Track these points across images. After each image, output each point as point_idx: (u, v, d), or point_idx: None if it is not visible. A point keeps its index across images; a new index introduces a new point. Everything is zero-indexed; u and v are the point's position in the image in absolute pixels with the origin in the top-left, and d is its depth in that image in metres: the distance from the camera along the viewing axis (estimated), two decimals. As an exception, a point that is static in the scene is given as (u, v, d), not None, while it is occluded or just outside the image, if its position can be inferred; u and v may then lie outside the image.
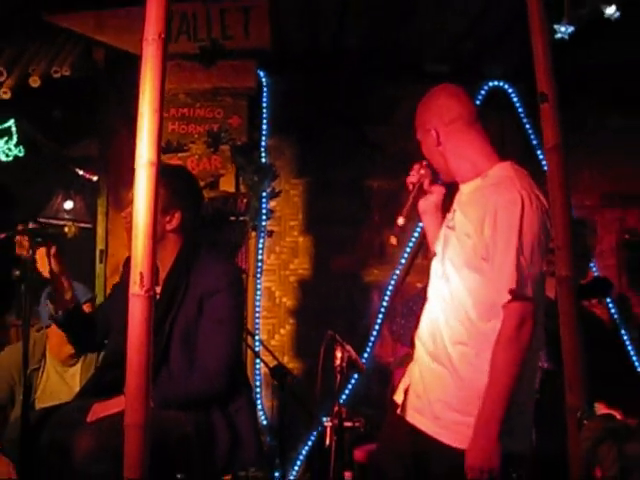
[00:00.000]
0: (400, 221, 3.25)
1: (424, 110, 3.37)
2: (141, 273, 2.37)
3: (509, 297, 2.94)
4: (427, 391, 3.09)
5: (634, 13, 2.83)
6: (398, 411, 3.15)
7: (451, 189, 3.37)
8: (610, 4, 2.58)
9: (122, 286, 3.54)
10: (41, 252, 3.50)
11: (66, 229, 3.50)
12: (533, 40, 2.60)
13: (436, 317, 3.19)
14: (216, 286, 3.49)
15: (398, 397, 3.19)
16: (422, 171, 3.35)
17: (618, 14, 2.61)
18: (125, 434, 2.33)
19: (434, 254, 3.35)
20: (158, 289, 3.49)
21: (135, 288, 2.36)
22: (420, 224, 3.44)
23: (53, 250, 3.52)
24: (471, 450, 2.91)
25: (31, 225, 3.52)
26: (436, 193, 3.41)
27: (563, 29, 2.54)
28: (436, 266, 3.28)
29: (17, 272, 3.48)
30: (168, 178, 3.17)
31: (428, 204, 3.44)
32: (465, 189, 3.25)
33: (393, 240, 3.25)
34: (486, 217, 3.03)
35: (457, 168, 3.26)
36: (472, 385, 3.00)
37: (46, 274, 3.53)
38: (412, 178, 3.37)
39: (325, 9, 4.88)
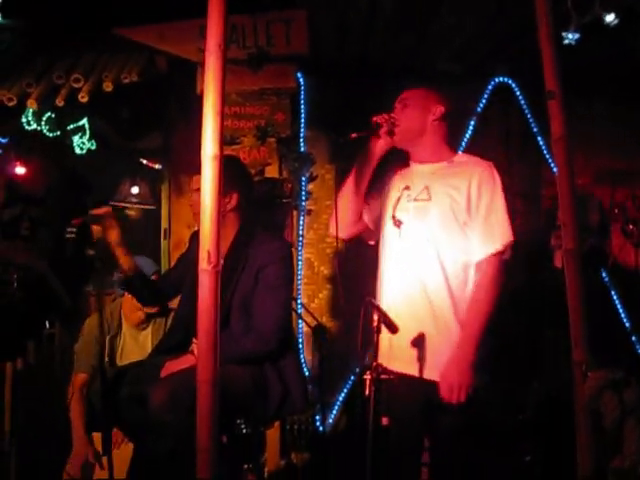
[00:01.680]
0: (354, 135, 3.33)
1: (431, 93, 3.52)
2: (208, 251, 2.40)
3: (496, 249, 3.14)
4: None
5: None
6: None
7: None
8: (610, 12, 2.55)
9: (189, 258, 3.56)
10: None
11: (130, 212, 3.53)
12: (542, 45, 2.59)
13: (423, 279, 3.25)
14: (270, 259, 3.52)
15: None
16: (389, 121, 3.38)
17: (617, 21, 2.59)
18: (197, 389, 2.36)
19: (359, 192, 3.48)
20: (220, 261, 3.52)
21: (203, 264, 2.39)
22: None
23: (114, 229, 3.57)
24: (450, 371, 3.08)
25: (98, 212, 3.55)
26: (385, 143, 3.43)
27: (570, 36, 2.52)
28: (407, 234, 3.32)
29: (91, 252, 3.52)
30: (226, 165, 3.19)
31: (376, 145, 3.45)
32: (427, 168, 3.38)
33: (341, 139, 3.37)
34: (471, 186, 3.21)
35: (432, 146, 3.41)
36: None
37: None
38: (379, 118, 3.39)
39: (354, 21, 4.87)
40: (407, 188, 3.38)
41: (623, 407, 2.41)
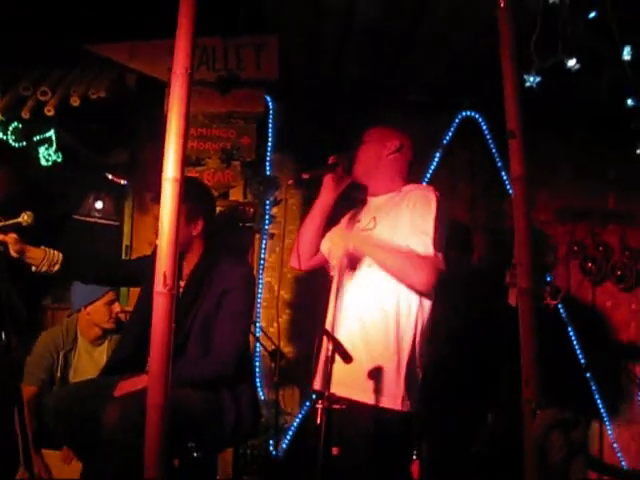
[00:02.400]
0: (305, 175, 3.47)
1: (388, 129, 3.61)
2: (165, 274, 2.39)
3: (429, 252, 3.14)
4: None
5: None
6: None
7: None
8: (571, 57, 2.60)
9: (148, 272, 3.56)
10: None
11: (20, 219, 3.53)
12: (505, 86, 2.63)
13: (361, 302, 3.29)
14: (234, 285, 3.55)
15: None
16: (347, 159, 3.50)
17: (578, 66, 2.64)
18: (148, 413, 2.35)
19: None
20: (182, 283, 3.54)
21: (159, 287, 2.39)
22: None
23: (11, 238, 3.57)
24: None
25: None
26: (343, 180, 3.55)
27: (532, 79, 2.57)
28: (351, 262, 3.35)
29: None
30: (192, 191, 3.21)
31: (333, 183, 3.55)
32: (379, 200, 3.46)
33: (290, 182, 3.71)
34: (405, 207, 3.27)
35: (385, 179, 3.48)
36: None
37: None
38: (338, 157, 3.52)
39: (325, 48, 4.90)
40: (358, 221, 3.49)
41: (570, 446, 2.44)
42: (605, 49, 2.81)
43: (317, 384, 3.34)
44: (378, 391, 3.13)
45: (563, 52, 2.51)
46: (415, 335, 3.22)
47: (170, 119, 2.47)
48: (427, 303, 3.28)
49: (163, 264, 2.39)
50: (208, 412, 3.44)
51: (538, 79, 2.56)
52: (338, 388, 3.02)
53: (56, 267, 3.70)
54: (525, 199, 2.63)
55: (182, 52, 2.50)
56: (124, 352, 3.68)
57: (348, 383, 3.13)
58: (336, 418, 2.92)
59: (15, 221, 3.54)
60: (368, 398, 3.14)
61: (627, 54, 2.69)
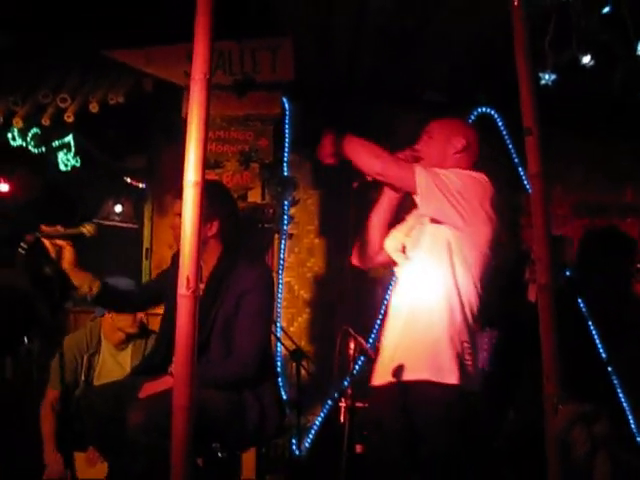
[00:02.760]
0: (368, 177, 3.31)
1: (453, 123, 3.47)
2: (188, 277, 2.42)
3: None
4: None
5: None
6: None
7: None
8: (586, 54, 2.61)
9: (170, 278, 3.57)
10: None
11: (84, 229, 3.50)
12: (520, 83, 2.64)
13: (416, 298, 3.25)
14: (252, 286, 3.55)
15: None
16: (412, 155, 3.38)
17: (593, 62, 2.65)
18: (173, 414, 2.38)
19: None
20: (201, 286, 3.54)
21: (182, 289, 2.42)
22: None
23: (68, 247, 3.54)
24: None
25: (49, 229, 3.49)
26: None
27: (547, 77, 2.58)
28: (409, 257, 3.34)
29: (48, 269, 3.52)
30: (208, 192, 3.21)
31: None
32: None
33: (354, 184, 3.37)
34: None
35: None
36: None
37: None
38: (403, 153, 3.39)
39: (339, 49, 4.93)
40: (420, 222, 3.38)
41: (593, 441, 2.44)
42: (619, 44, 2.81)
43: (376, 380, 3.31)
44: (435, 368, 3.10)
45: (577, 49, 2.52)
46: (471, 313, 3.20)
47: (190, 124, 2.50)
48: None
49: (186, 267, 2.42)
50: (231, 412, 3.47)
51: (554, 77, 2.56)
52: (408, 374, 3.08)
53: (94, 291, 3.72)
54: (543, 196, 2.65)
55: (200, 58, 2.52)
56: (156, 359, 3.70)
57: (415, 365, 3.13)
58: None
59: (76, 231, 3.50)
60: (426, 375, 3.12)
61: (641, 49, 2.70)
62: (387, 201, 3.51)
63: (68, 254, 3.54)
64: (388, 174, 3.23)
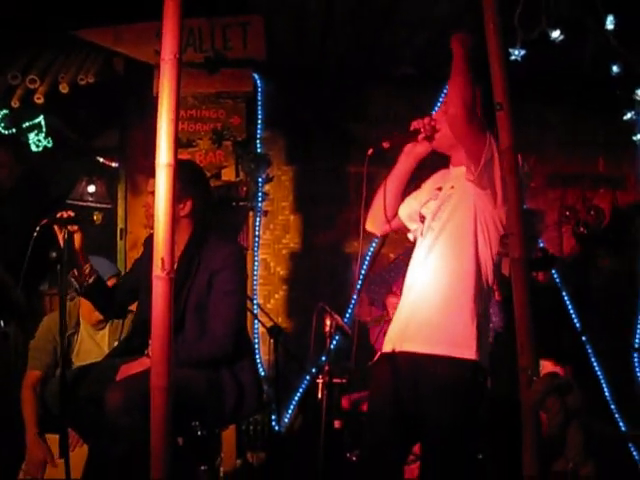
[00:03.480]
0: (385, 144, 3.25)
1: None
2: (162, 258, 2.42)
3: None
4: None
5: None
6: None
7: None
8: (555, 28, 2.62)
9: (144, 262, 3.57)
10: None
11: (94, 217, 3.52)
12: (490, 59, 2.64)
13: (439, 270, 3.22)
14: (223, 264, 3.55)
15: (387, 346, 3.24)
16: (429, 124, 3.29)
17: (562, 37, 2.66)
18: (151, 395, 2.38)
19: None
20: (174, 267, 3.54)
21: (157, 271, 2.42)
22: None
23: (78, 233, 3.58)
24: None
25: (65, 215, 3.53)
26: (424, 147, 3.38)
27: (517, 52, 2.59)
28: (428, 229, 3.30)
29: (54, 254, 3.52)
30: (180, 171, 3.19)
31: (413, 149, 3.42)
32: (461, 171, 3.25)
33: (370, 151, 3.24)
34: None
35: (470, 149, 3.19)
36: None
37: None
38: (418, 123, 3.32)
39: (310, 25, 4.90)
40: (439, 189, 3.36)
41: (566, 411, 2.48)
42: (589, 19, 2.82)
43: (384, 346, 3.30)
44: (452, 342, 3.10)
45: (547, 24, 2.53)
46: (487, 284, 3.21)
47: (161, 105, 2.48)
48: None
49: (160, 249, 2.42)
50: (210, 391, 3.48)
51: (523, 52, 2.58)
52: (411, 344, 3.10)
53: (91, 279, 3.73)
54: (514, 169, 2.65)
55: (170, 38, 2.49)
56: (134, 341, 3.70)
57: (422, 338, 3.14)
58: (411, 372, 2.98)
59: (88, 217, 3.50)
60: (442, 350, 3.11)
61: (610, 23, 2.71)
62: (403, 167, 3.46)
63: (78, 238, 3.59)
64: (470, 127, 3.12)
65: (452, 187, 3.29)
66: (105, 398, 3.23)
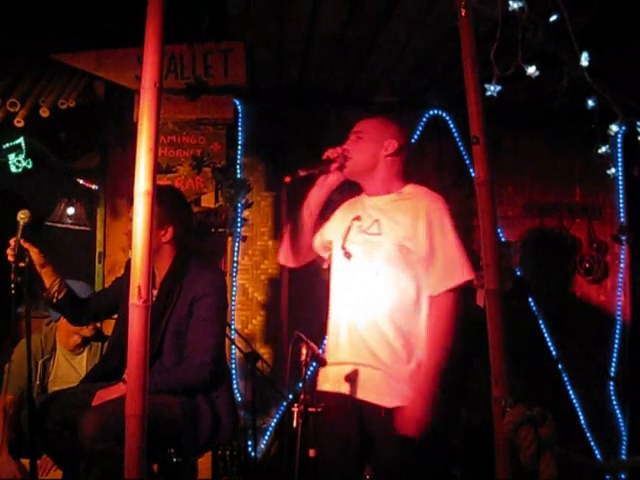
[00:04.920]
0: (302, 173, 3.35)
1: (385, 124, 3.46)
2: (139, 286, 2.44)
3: (456, 283, 3.17)
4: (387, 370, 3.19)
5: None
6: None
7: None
8: (531, 64, 2.67)
9: (124, 284, 3.57)
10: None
11: (18, 219, 3.48)
12: (467, 94, 2.68)
13: (372, 310, 3.26)
14: (205, 291, 3.58)
15: (343, 387, 3.27)
16: (341, 154, 3.38)
17: (538, 73, 2.70)
18: (126, 423, 2.39)
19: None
20: (155, 292, 3.57)
21: (134, 299, 2.43)
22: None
23: (32, 249, 3.54)
24: (413, 406, 3.09)
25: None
26: (337, 176, 3.46)
27: (492, 88, 2.63)
28: (357, 266, 3.34)
29: (19, 278, 3.50)
30: (162, 197, 3.20)
31: (326, 180, 3.48)
32: (379, 201, 3.38)
33: (287, 179, 3.36)
34: (418, 223, 3.22)
35: (383, 180, 3.39)
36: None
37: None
38: (330, 153, 3.40)
39: (291, 53, 4.93)
40: (357, 219, 3.40)
41: (539, 442, 2.50)
42: (564, 53, 2.87)
43: (323, 385, 3.38)
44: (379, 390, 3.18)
45: (523, 59, 2.57)
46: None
47: (140, 133, 2.50)
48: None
49: (137, 277, 2.44)
50: (185, 418, 3.48)
51: (499, 88, 2.61)
52: (362, 393, 3.18)
53: (61, 295, 3.73)
54: (490, 203, 2.69)
55: (150, 66, 2.52)
56: (110, 364, 3.69)
57: (368, 387, 3.20)
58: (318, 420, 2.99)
59: (18, 225, 3.49)
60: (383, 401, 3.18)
61: (585, 60, 2.75)
62: (316, 198, 3.52)
63: (35, 255, 3.57)
64: None
65: (376, 221, 3.35)
66: (80, 424, 3.23)
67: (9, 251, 3.47)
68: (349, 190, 3.62)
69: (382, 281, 3.25)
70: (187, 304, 3.57)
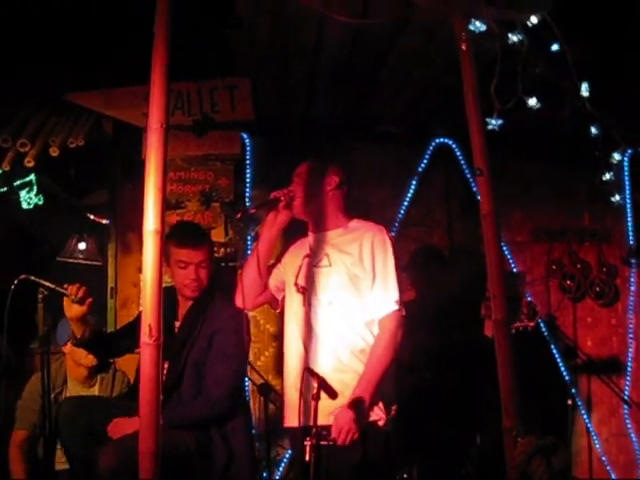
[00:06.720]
0: (252, 210, 3.72)
1: (322, 164, 3.67)
2: (150, 325, 2.45)
3: (394, 307, 3.34)
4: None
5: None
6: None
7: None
8: (531, 96, 2.69)
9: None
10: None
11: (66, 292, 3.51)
12: (470, 127, 2.71)
13: (328, 338, 3.40)
14: (224, 326, 3.64)
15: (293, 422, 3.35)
16: (287, 194, 3.55)
17: (539, 105, 2.73)
18: (139, 460, 2.40)
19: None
20: (177, 323, 3.67)
21: (145, 338, 2.44)
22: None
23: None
24: (343, 415, 3.18)
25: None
26: (285, 215, 3.59)
27: (494, 122, 2.65)
28: (311, 299, 3.46)
29: (45, 328, 3.60)
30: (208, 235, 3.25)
31: (275, 219, 3.61)
32: (327, 236, 3.54)
33: (238, 215, 3.81)
34: (363, 251, 3.41)
35: (328, 215, 3.56)
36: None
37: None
38: (278, 193, 3.58)
39: (295, 86, 4.99)
40: (307, 256, 3.53)
41: (551, 471, 2.51)
42: (565, 83, 2.90)
43: (290, 420, 3.45)
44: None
45: (523, 91, 2.60)
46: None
47: (148, 172, 2.52)
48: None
49: (148, 316, 2.45)
50: (198, 451, 3.49)
51: (500, 122, 2.64)
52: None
53: (86, 336, 3.70)
54: (495, 235, 2.71)
55: (157, 107, 2.55)
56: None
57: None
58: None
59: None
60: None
61: (585, 90, 2.78)
62: (267, 237, 3.66)
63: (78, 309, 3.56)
64: None
65: (327, 255, 3.49)
66: (97, 459, 3.25)
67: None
68: (296, 232, 3.75)
69: (336, 309, 3.40)
70: (207, 337, 3.62)
